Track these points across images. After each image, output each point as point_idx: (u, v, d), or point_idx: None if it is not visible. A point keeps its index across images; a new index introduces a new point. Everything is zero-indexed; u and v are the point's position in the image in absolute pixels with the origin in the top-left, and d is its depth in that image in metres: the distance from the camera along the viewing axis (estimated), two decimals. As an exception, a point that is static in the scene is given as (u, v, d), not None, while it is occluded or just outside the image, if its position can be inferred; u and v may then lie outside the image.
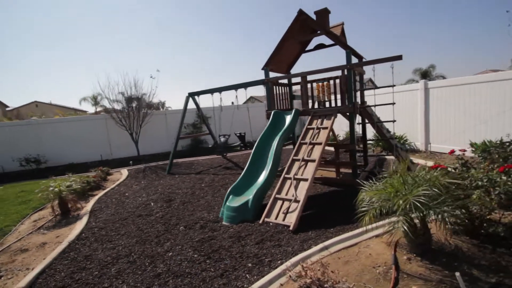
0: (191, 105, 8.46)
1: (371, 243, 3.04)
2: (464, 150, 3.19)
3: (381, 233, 3.09)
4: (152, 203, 5.18)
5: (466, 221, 2.88)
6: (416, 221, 2.70)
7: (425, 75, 23.58)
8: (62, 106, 38.59)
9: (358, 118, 5.92)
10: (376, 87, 6.20)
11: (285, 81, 6.68)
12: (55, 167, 9.88)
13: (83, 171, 8.87)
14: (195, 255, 3.12)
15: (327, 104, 5.73)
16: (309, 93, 6.08)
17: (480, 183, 2.55)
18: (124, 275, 2.90)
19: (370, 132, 6.43)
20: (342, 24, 5.50)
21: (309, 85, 5.99)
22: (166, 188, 6.22)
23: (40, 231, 4.38)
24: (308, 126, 5.09)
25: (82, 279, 2.91)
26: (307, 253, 2.93)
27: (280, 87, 6.33)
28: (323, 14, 5.17)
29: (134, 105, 10.21)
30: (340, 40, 5.02)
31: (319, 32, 5.34)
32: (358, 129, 6.13)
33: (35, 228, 4.49)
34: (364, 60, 5.67)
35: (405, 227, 2.38)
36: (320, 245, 3.04)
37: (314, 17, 5.36)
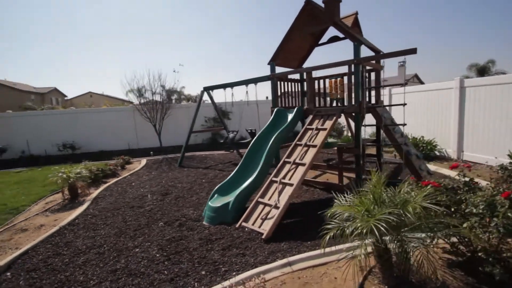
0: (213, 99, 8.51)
1: (343, 264, 2.67)
2: (470, 166, 2.59)
3: (358, 254, 2.69)
4: (149, 195, 5.31)
5: (467, 253, 2.36)
6: (392, 245, 2.28)
7: (483, 71, 20.56)
8: (112, 97, 42.22)
9: (372, 119, 5.31)
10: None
11: (297, 76, 6.29)
12: (87, 153, 10.83)
13: (109, 158, 9.53)
14: (157, 255, 3.06)
15: (338, 103, 5.24)
16: (321, 90, 5.64)
17: (475, 209, 2.02)
18: (88, 266, 2.97)
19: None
20: (355, 14, 4.92)
21: (319, 81, 5.56)
22: (169, 180, 6.35)
23: (45, 213, 4.76)
24: (308, 126, 4.71)
25: (52, 264, 3.06)
26: (267, 267, 2.67)
27: (290, 83, 5.97)
28: (332, 3, 4.67)
29: (174, 97, 10.65)
30: (348, 31, 4.49)
31: (326, 23, 4.85)
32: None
33: (43, 210, 4.90)
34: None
35: (363, 255, 2.00)
36: (285, 260, 2.76)
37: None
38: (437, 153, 6.77)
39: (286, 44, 5.45)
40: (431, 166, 5.80)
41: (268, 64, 5.70)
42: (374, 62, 4.94)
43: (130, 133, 11.69)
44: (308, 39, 5.87)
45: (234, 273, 2.65)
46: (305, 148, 4.31)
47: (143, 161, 9.16)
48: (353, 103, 4.56)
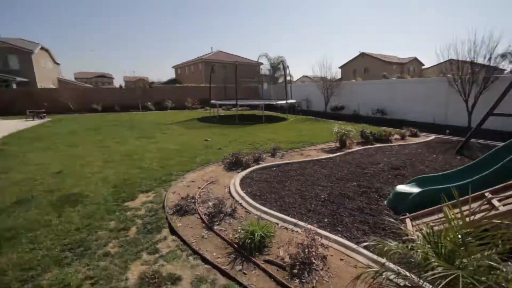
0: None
1: None
2: None
3: None
4: (381, 164, 5.63)
5: None
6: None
7: None
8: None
9: None
10: None
11: None
12: (390, 119, 12.02)
13: (399, 127, 9.93)
14: (322, 196, 3.98)
15: None
16: None
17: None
18: (293, 181, 4.67)
19: None
20: None
21: None
22: (418, 161, 5.89)
23: (317, 152, 7.06)
24: None
25: (278, 175, 5.16)
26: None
27: None
28: None
29: None
30: None
31: None
32: None
33: (319, 149, 7.26)
34: None
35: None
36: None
37: None
38: None
39: None
40: None
41: None
42: None
43: (439, 106, 10.79)
44: None
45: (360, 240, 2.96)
46: None
47: (432, 137, 8.56)
48: None
